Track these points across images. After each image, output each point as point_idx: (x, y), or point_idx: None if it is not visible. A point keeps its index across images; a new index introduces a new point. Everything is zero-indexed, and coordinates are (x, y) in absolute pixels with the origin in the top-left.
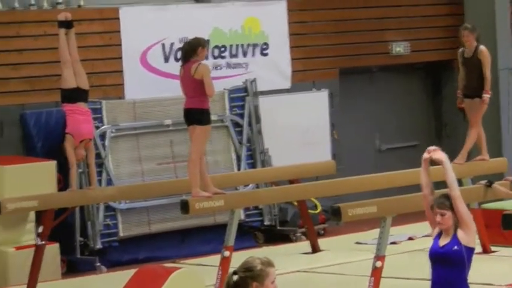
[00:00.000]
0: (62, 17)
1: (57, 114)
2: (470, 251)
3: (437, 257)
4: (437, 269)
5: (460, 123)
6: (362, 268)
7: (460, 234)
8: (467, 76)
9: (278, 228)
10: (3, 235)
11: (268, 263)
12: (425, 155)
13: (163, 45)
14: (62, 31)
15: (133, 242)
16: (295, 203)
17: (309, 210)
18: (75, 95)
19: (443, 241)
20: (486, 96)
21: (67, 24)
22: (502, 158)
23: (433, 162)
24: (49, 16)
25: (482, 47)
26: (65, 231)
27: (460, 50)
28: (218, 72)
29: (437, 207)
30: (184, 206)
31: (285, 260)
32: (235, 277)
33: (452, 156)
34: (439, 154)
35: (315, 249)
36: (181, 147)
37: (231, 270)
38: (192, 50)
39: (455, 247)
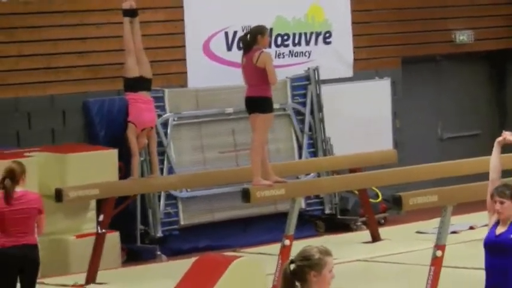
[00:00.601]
0: (126, 5)
1: (120, 102)
2: None
3: (492, 245)
4: (492, 258)
5: None
6: (422, 257)
7: None
8: None
9: (339, 217)
10: (64, 223)
11: (326, 252)
12: (500, 138)
13: (226, 33)
14: (127, 20)
15: (194, 231)
16: (356, 192)
17: (370, 199)
18: (138, 84)
19: (500, 230)
20: None
21: (132, 13)
22: None
23: (505, 146)
24: (113, 4)
25: None
26: (126, 220)
27: None
28: (281, 60)
29: (497, 195)
30: (246, 195)
31: (346, 249)
32: (292, 266)
33: None
34: None
35: (376, 238)
36: (243, 135)
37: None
38: (252, 38)
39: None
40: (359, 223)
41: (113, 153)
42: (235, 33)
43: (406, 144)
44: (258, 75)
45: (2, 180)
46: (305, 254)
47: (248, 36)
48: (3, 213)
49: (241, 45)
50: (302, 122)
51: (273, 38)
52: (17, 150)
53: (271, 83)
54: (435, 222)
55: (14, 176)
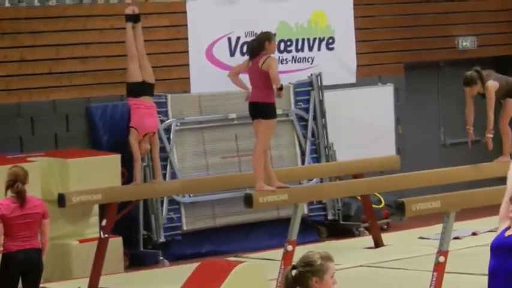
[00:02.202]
0: (129, 10)
1: (123, 107)
2: None
3: (501, 246)
4: (498, 260)
5: None
6: (425, 263)
7: None
8: None
9: (341, 222)
10: (67, 228)
11: (328, 258)
12: None
13: (229, 39)
14: (129, 25)
15: (197, 236)
16: (359, 198)
17: (373, 205)
18: (140, 89)
19: (510, 233)
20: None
21: (134, 18)
22: None
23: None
24: (116, 10)
25: (489, 83)
26: (129, 225)
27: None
28: (284, 66)
29: None
30: (248, 200)
31: (348, 255)
32: (294, 272)
33: None
34: None
35: (378, 243)
36: (246, 141)
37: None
38: (260, 44)
39: None
40: (362, 229)
41: (116, 158)
42: (238, 38)
43: (408, 150)
44: (262, 81)
45: (12, 184)
46: (307, 260)
47: (255, 42)
48: (13, 218)
49: (248, 50)
50: (305, 127)
51: (276, 43)
52: (20, 155)
53: (275, 86)
54: (438, 228)
55: (21, 179)
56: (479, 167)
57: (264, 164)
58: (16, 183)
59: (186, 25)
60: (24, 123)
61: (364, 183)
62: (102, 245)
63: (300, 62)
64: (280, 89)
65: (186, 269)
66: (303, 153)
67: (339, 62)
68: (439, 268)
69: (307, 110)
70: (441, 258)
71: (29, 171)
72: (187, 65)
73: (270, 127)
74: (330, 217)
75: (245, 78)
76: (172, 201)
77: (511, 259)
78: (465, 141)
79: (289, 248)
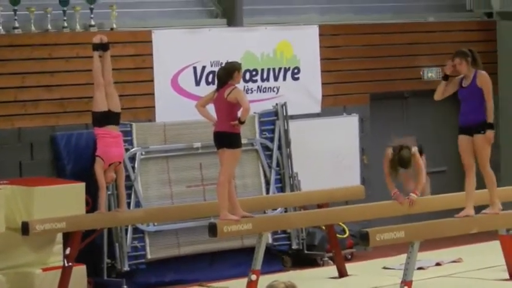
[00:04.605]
0: (97, 39)
1: (88, 136)
2: None
3: None
4: None
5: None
6: None
7: None
8: None
9: (306, 252)
10: (30, 256)
11: (293, 287)
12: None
13: (194, 68)
14: (96, 54)
15: (161, 265)
16: (323, 227)
17: (337, 235)
18: (106, 118)
19: None
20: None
21: (103, 47)
22: None
23: None
24: (82, 38)
25: (415, 151)
26: (93, 253)
27: None
28: (249, 95)
29: None
30: (213, 229)
31: (312, 285)
32: None
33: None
34: None
35: (342, 273)
36: (211, 170)
37: None
38: (228, 74)
39: None
40: (326, 258)
41: (80, 186)
42: (203, 68)
43: (373, 180)
44: (228, 111)
45: None
46: None
47: (223, 71)
48: None
49: (216, 80)
50: (270, 157)
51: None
52: None
53: (245, 109)
54: (402, 258)
55: None
56: (444, 197)
57: (229, 193)
58: None
59: (151, 54)
60: None
61: (328, 213)
62: (66, 273)
63: (265, 91)
64: (243, 123)
65: None
66: (267, 183)
67: (304, 92)
68: None
69: (272, 140)
70: None
71: None
72: (153, 94)
73: (234, 156)
74: (294, 246)
75: (211, 108)
76: (136, 230)
77: None
78: (432, 171)
79: (253, 277)
